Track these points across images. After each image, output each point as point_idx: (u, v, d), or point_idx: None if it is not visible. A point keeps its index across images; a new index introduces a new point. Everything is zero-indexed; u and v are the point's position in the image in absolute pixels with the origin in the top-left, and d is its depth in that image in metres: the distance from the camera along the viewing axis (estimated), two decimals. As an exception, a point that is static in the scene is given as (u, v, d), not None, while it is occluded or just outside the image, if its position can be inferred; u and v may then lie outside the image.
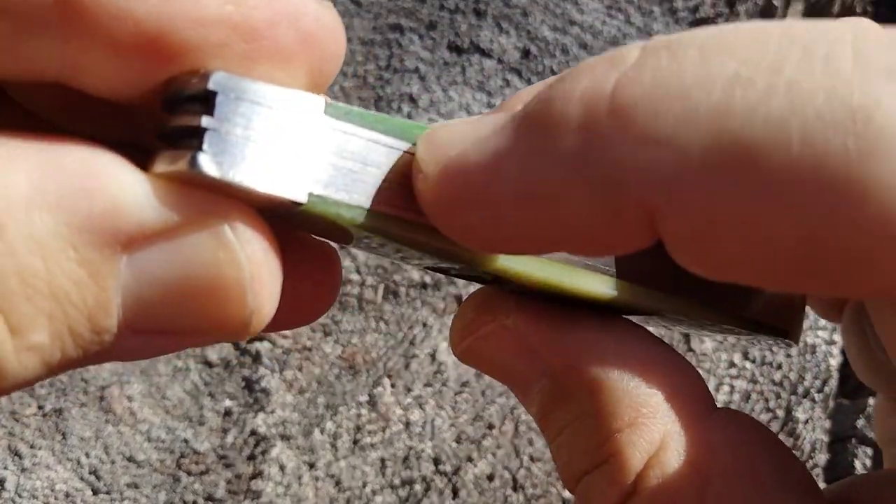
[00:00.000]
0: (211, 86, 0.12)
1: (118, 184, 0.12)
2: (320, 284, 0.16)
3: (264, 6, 0.13)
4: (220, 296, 0.13)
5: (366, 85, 0.57)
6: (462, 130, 0.14)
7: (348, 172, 0.14)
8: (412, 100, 0.56)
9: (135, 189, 0.12)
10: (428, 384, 0.47)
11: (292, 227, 0.15)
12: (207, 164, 0.12)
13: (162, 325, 0.13)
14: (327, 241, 0.16)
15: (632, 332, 0.16)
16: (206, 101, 0.13)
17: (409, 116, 0.54)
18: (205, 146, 0.12)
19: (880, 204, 0.11)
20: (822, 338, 0.49)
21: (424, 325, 0.48)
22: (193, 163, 0.12)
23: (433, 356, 0.48)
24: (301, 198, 0.13)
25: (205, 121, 0.12)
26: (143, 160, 0.13)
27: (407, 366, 0.47)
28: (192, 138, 0.12)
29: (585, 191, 0.13)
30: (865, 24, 0.13)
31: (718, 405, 0.16)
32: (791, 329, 0.18)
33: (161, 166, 0.13)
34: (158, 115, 0.13)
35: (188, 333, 0.13)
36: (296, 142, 0.13)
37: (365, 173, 0.14)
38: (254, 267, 0.13)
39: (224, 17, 0.12)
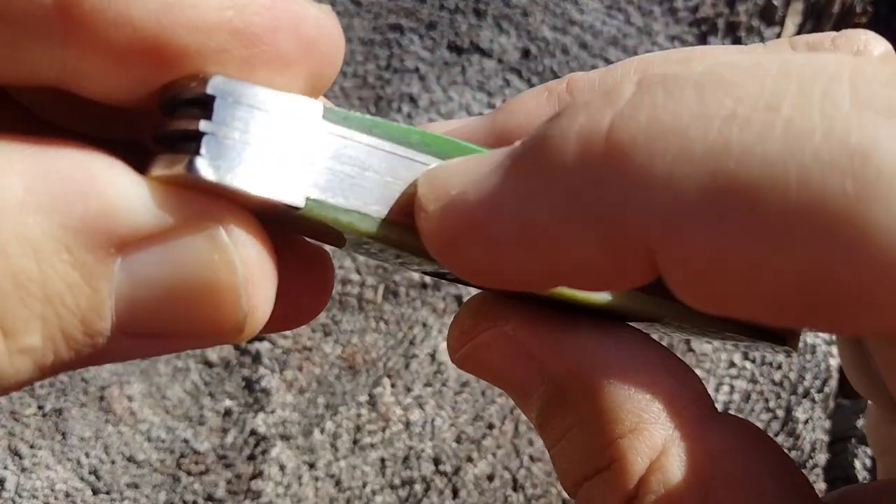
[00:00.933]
0: (209, 90, 0.12)
1: (112, 186, 0.12)
2: (313, 287, 0.16)
3: (265, 12, 0.13)
4: (214, 298, 0.13)
5: (366, 85, 0.57)
6: (463, 168, 0.14)
7: (346, 177, 0.14)
8: (412, 100, 0.56)
9: (129, 192, 0.12)
10: (428, 384, 0.47)
11: (287, 230, 0.15)
12: (205, 168, 0.12)
13: (155, 327, 0.13)
14: (320, 244, 0.16)
15: (632, 337, 0.16)
16: (205, 106, 0.13)
17: (409, 116, 0.54)
18: (202, 150, 0.12)
19: (879, 245, 0.11)
20: (823, 338, 0.49)
21: (424, 325, 0.48)
22: (191, 167, 0.12)
23: (433, 356, 0.48)
24: (298, 202, 0.13)
25: (203, 125, 0.12)
26: (143, 160, 0.13)
27: (407, 366, 0.47)
28: (190, 142, 0.12)
29: (583, 230, 0.13)
30: (864, 59, 0.12)
31: (718, 405, 0.16)
32: (789, 337, 0.18)
33: (158, 170, 0.13)
34: (158, 117, 0.13)
35: (182, 336, 0.13)
36: (293, 146, 0.13)
37: (363, 178, 0.14)
38: (248, 270, 0.13)
39: (224, 23, 0.12)
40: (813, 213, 0.11)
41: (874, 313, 0.11)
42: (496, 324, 0.16)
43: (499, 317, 0.16)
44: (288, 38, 0.13)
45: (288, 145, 0.13)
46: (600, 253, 0.13)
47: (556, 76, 0.56)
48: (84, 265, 0.12)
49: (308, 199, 0.13)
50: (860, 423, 0.46)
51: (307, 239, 0.17)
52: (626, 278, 0.13)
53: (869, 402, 0.21)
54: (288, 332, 0.48)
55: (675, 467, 0.15)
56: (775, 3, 0.58)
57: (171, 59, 0.12)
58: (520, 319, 0.16)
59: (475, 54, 0.57)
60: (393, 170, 0.14)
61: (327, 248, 0.17)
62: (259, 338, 0.48)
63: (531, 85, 0.56)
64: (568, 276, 0.14)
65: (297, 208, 0.13)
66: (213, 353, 0.48)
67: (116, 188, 0.12)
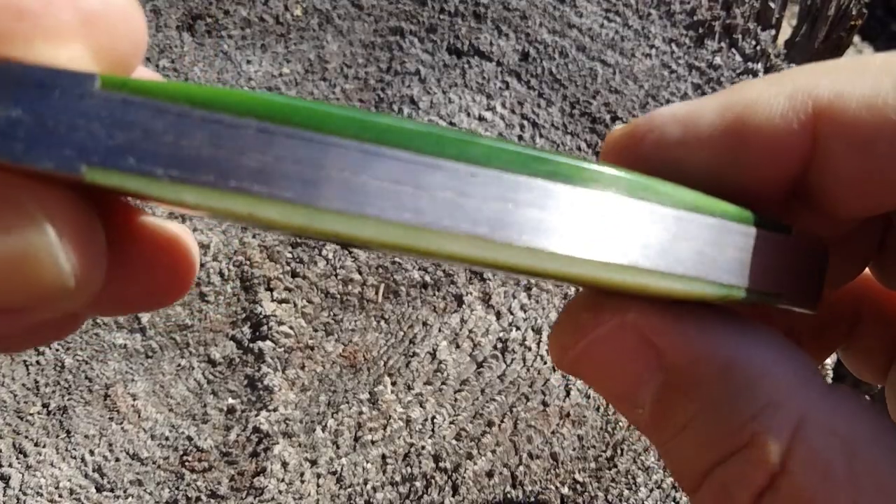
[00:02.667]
0: None
1: None
2: (172, 266, 0.16)
3: None
4: (29, 263, 0.13)
5: (367, 87, 0.57)
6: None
7: (129, 142, 0.13)
8: (413, 102, 0.56)
9: None
10: (428, 382, 0.47)
11: (138, 199, 0.15)
12: None
13: None
14: (181, 224, 0.17)
15: (744, 319, 0.17)
16: None
17: (410, 118, 0.55)
18: None
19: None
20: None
21: (425, 324, 0.49)
22: None
23: (433, 354, 0.48)
24: (79, 171, 0.13)
25: None
26: None
27: (407, 364, 0.48)
28: None
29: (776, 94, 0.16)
30: None
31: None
32: (812, 297, 0.18)
33: None
34: None
35: (19, 308, 0.14)
36: (71, 117, 0.13)
37: (150, 141, 0.13)
38: (60, 228, 0.13)
39: None
40: None
41: None
42: (617, 314, 0.16)
43: (619, 307, 0.16)
44: (64, 11, 0.13)
45: (65, 117, 0.13)
46: (785, 109, 0.16)
47: (554, 78, 0.57)
48: None
49: (88, 167, 0.13)
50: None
51: (161, 220, 0.17)
52: (793, 144, 0.16)
53: (867, 396, 0.22)
54: (290, 331, 0.49)
55: (818, 435, 0.15)
56: (772, 5, 0.59)
57: None
58: (640, 309, 0.16)
59: (475, 57, 0.58)
60: (184, 131, 0.13)
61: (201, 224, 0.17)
62: (262, 337, 0.48)
63: (530, 87, 0.57)
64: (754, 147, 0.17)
65: (79, 177, 0.13)
66: (216, 352, 0.49)
67: None
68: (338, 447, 0.46)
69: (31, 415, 0.47)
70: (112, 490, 0.45)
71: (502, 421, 0.46)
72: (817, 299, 0.18)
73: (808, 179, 0.17)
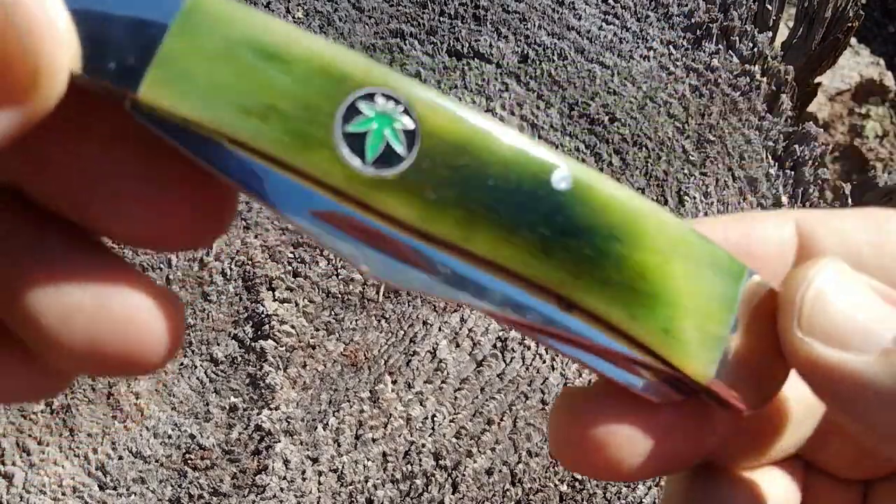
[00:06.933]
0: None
1: None
2: (211, 205, 0.17)
3: None
4: None
5: (367, 89, 0.58)
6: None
7: None
8: (413, 103, 0.57)
9: None
10: (428, 381, 0.48)
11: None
12: None
13: None
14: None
15: None
16: None
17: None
18: None
19: None
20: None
21: (425, 323, 0.49)
22: None
23: (433, 353, 0.49)
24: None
25: None
26: None
27: (408, 363, 0.48)
28: None
29: None
30: None
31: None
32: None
33: None
34: None
35: None
36: None
37: None
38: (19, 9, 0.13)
39: None
40: None
41: None
42: None
43: None
44: None
45: None
46: None
47: (553, 80, 0.57)
48: None
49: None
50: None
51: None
52: None
53: None
54: (292, 331, 0.49)
55: None
56: (769, 7, 0.59)
57: None
58: None
59: (475, 59, 0.58)
60: None
61: None
62: (263, 336, 0.49)
63: (529, 89, 0.57)
64: None
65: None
66: (218, 351, 0.49)
67: None
68: (339, 445, 0.46)
69: (34, 413, 0.47)
70: (115, 488, 0.46)
71: (502, 419, 0.47)
72: None
73: None
